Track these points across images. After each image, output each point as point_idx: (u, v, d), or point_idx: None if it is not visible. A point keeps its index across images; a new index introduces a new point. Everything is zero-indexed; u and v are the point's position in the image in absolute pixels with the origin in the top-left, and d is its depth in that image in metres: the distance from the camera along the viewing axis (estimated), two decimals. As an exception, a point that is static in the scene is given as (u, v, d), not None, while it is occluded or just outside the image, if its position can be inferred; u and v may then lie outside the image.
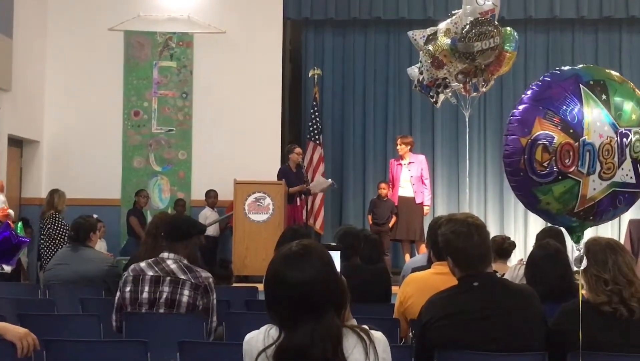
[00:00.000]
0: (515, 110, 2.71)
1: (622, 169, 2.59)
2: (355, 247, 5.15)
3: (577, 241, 2.85)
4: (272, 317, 2.14)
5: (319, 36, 11.97)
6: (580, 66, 2.81)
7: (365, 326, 2.18)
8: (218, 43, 11.04)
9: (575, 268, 2.99)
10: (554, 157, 2.55)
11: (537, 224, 10.57)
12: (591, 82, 2.66)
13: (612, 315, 3.18)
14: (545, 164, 2.56)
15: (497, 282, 3.26)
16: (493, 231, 10.82)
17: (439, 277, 3.91)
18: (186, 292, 4.05)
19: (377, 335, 2.18)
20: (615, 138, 2.59)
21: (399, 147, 10.03)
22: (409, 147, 9.97)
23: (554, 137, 2.56)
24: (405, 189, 10.01)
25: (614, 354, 3.14)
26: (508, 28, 7.16)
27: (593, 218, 2.73)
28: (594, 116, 2.58)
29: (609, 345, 3.17)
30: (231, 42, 11.05)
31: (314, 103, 11.11)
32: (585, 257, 3.42)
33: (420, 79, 7.27)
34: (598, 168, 2.58)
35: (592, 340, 3.18)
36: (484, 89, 7.23)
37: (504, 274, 5.37)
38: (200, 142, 11.05)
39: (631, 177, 2.63)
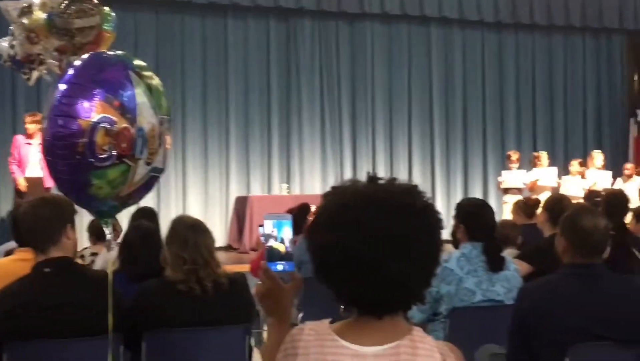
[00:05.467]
0: (64, 90, 2.65)
1: (159, 154, 2.71)
2: None
3: (107, 224, 2.91)
4: None
5: None
6: (120, 52, 2.87)
7: None
8: None
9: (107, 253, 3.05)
10: (114, 141, 2.56)
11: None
12: (137, 70, 2.74)
13: (187, 293, 3.32)
14: (105, 148, 2.56)
15: (70, 268, 3.20)
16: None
17: (22, 263, 3.72)
18: None
19: None
20: (157, 125, 2.70)
21: (28, 125, 9.33)
22: (39, 126, 9.19)
23: (115, 121, 2.57)
24: (34, 170, 9.31)
25: (187, 330, 3.28)
26: (106, 8, 7.05)
27: (131, 202, 2.82)
28: (143, 103, 2.66)
29: (184, 322, 3.31)
30: None
31: None
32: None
33: (12, 53, 6.84)
34: (146, 154, 2.65)
35: (169, 317, 3.30)
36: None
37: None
38: None
39: (161, 163, 2.77)
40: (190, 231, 3.46)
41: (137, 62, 2.83)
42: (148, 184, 2.74)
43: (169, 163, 11.67)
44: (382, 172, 11.97)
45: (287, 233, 1.81)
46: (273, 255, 1.80)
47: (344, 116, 12.91)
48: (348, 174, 12.43)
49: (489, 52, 13.72)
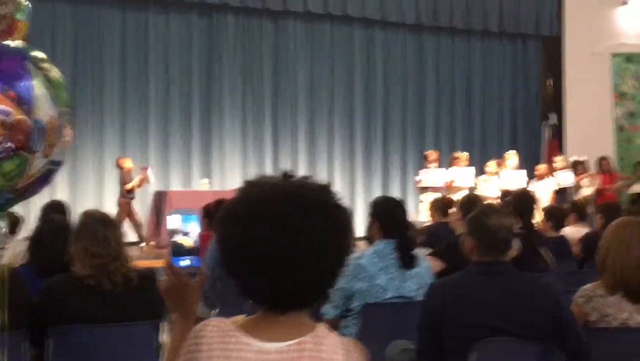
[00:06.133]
0: None
1: (57, 147, 2.65)
2: None
3: (1, 218, 2.84)
4: None
5: None
6: (18, 43, 2.80)
7: None
8: None
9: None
10: (9, 133, 2.49)
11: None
12: (35, 61, 2.68)
13: (96, 288, 3.27)
14: (0, 140, 2.48)
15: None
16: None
17: None
18: None
19: None
20: (56, 118, 2.64)
21: None
22: None
23: (10, 112, 2.50)
24: None
25: (94, 325, 3.23)
26: (21, -4, 6.88)
27: (28, 195, 2.76)
28: (42, 94, 2.59)
29: (92, 318, 3.25)
30: None
31: None
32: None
33: None
34: (43, 147, 2.59)
35: (76, 313, 3.25)
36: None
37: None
38: None
39: (60, 156, 2.71)
40: (99, 224, 3.42)
41: (35, 53, 2.76)
42: (46, 177, 2.68)
43: (86, 157, 11.48)
44: (303, 169, 12.05)
45: (195, 228, 1.80)
46: (179, 250, 1.78)
47: (265, 112, 12.89)
48: (269, 170, 12.42)
49: (410, 53, 13.93)
